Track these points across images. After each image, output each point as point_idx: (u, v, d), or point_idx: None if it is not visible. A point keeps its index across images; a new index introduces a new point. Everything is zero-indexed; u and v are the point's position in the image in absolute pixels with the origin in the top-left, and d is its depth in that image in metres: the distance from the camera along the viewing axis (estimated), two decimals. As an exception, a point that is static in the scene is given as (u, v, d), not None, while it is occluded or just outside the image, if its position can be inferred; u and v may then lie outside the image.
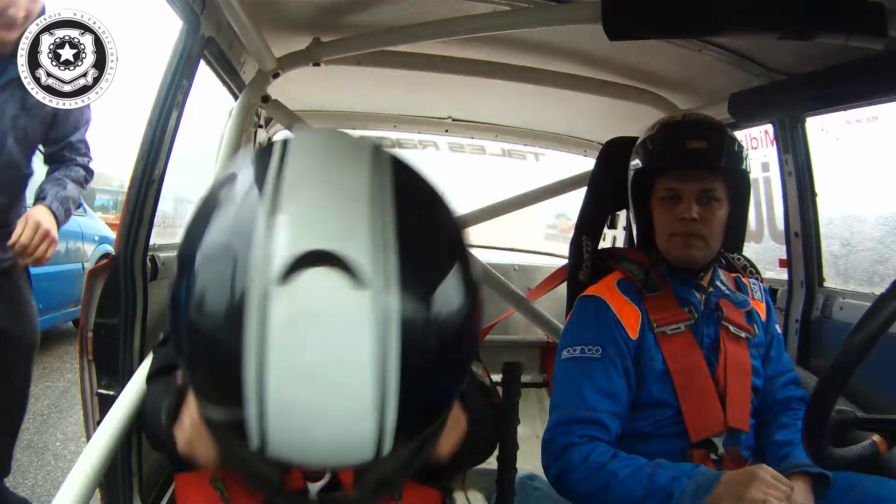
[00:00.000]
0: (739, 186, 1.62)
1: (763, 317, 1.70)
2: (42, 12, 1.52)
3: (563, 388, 1.55)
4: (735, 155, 1.59)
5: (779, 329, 1.74)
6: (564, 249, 2.08)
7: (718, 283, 1.66)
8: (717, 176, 1.57)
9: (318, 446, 0.62)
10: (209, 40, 1.69)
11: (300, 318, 0.59)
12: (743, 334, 1.63)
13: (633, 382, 1.55)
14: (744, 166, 1.61)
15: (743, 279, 1.75)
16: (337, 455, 0.63)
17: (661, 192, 1.60)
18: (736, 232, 1.66)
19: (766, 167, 2.98)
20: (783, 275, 2.26)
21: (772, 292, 1.80)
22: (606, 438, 1.48)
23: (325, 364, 0.58)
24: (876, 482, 1.41)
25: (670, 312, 1.60)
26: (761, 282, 1.80)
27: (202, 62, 1.70)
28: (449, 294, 0.64)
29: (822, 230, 2.15)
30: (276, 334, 0.58)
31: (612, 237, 3.26)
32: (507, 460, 1.05)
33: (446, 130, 3.22)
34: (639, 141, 1.69)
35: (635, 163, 1.67)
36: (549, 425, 1.54)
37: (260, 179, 0.65)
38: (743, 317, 1.65)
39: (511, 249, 3.98)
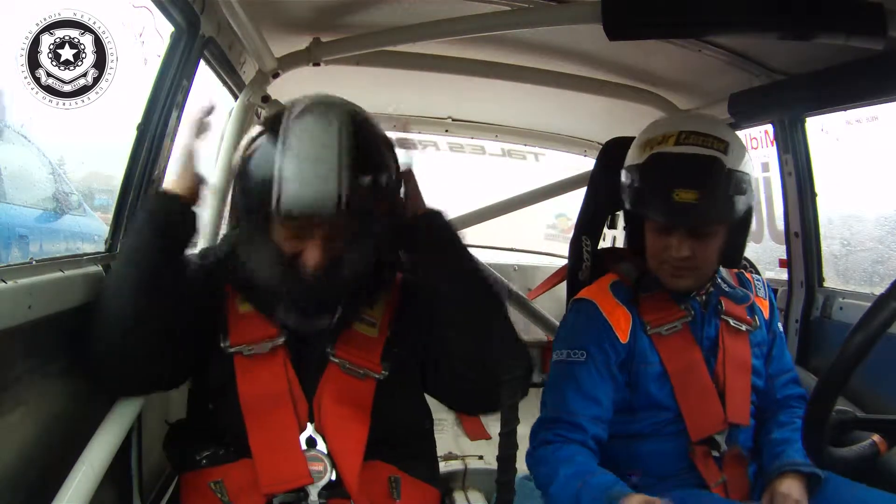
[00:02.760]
0: (738, 221, 1.52)
1: (766, 314, 1.69)
2: None
3: (551, 390, 1.58)
4: (731, 202, 1.46)
5: (781, 328, 1.74)
6: (564, 249, 2.07)
7: (719, 280, 1.64)
8: None
9: (309, 199, 1.13)
10: (209, 40, 1.69)
11: (302, 132, 1.16)
12: (743, 327, 1.62)
13: (622, 386, 1.55)
14: (741, 212, 1.49)
15: (746, 275, 1.74)
16: (319, 204, 1.12)
17: (652, 221, 1.54)
18: (733, 253, 1.58)
19: (766, 167, 2.97)
20: (783, 275, 2.26)
21: (772, 291, 1.79)
22: (580, 439, 1.48)
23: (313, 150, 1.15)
24: (862, 490, 1.40)
25: (666, 312, 1.58)
26: (764, 279, 1.79)
27: (202, 62, 1.70)
28: (370, 126, 1.25)
29: (822, 230, 2.14)
30: (291, 142, 1.15)
31: (612, 237, 3.25)
32: (507, 460, 1.05)
33: (446, 130, 3.22)
34: (628, 160, 1.59)
35: (625, 189, 1.58)
36: (534, 425, 1.56)
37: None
38: (744, 310, 1.64)
39: (511, 249, 3.97)
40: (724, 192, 1.46)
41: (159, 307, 1.21)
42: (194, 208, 1.28)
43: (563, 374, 1.55)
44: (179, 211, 1.25)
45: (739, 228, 1.55)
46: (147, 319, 1.19)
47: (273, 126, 1.19)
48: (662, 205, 1.48)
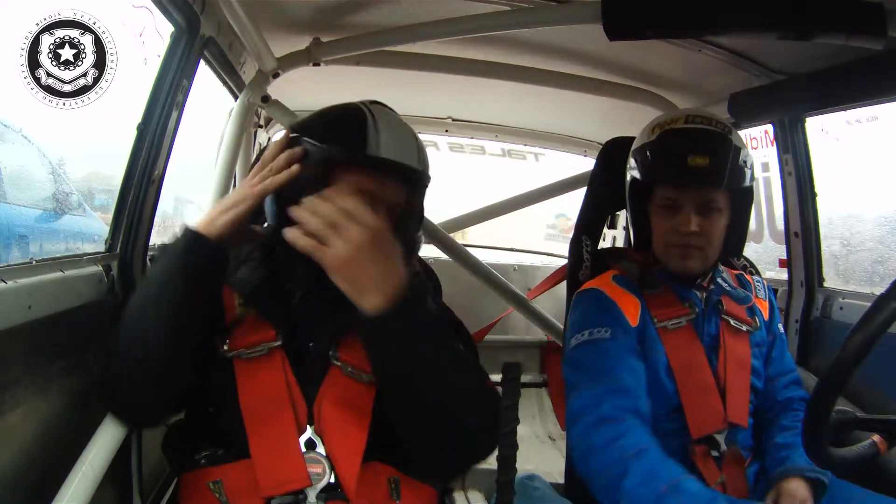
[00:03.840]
0: (742, 199, 1.59)
1: (766, 315, 1.69)
2: None
3: (581, 370, 1.51)
4: (738, 171, 1.54)
5: (781, 329, 1.74)
6: (564, 249, 2.08)
7: (720, 280, 1.66)
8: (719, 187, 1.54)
9: (400, 151, 1.25)
10: (209, 40, 1.69)
11: (384, 111, 1.30)
12: (744, 327, 1.63)
13: (644, 364, 1.52)
14: (747, 182, 1.57)
15: (746, 276, 1.75)
16: (410, 156, 1.26)
17: (660, 199, 1.58)
18: (737, 239, 1.63)
19: (766, 167, 2.97)
20: (783, 275, 2.25)
21: (772, 292, 1.80)
22: (634, 408, 1.40)
23: (393, 122, 1.29)
24: (868, 495, 1.40)
25: (671, 308, 1.59)
26: (764, 280, 1.79)
27: (202, 62, 1.70)
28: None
29: (822, 230, 2.14)
30: (378, 116, 1.26)
31: (612, 237, 3.26)
32: (507, 460, 1.05)
33: (446, 130, 3.22)
34: (636, 145, 1.66)
35: (633, 171, 1.64)
36: (573, 407, 1.46)
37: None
38: (744, 311, 1.65)
39: (511, 249, 3.98)
40: (733, 162, 1.54)
41: (179, 344, 1.20)
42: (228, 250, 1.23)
43: (591, 353, 1.51)
44: (211, 254, 1.20)
45: (742, 209, 1.60)
46: (165, 357, 1.19)
47: (305, 127, 1.28)
48: (676, 169, 1.54)
